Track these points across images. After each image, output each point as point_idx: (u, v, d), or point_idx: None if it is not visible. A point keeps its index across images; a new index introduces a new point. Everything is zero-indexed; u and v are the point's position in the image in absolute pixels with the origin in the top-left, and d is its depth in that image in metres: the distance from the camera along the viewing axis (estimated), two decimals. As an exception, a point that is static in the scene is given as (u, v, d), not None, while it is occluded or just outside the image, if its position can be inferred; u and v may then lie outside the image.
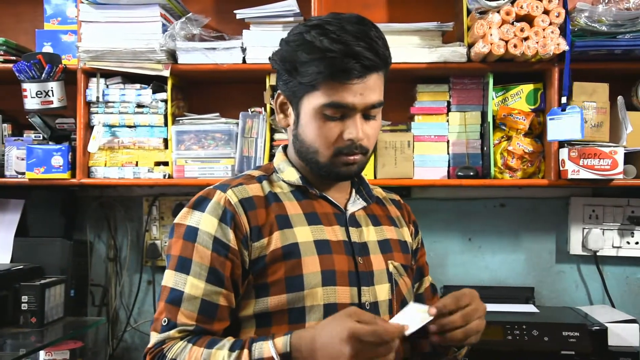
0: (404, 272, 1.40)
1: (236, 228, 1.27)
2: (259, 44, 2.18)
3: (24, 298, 2.10)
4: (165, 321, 1.24)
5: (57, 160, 2.21)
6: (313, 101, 1.27)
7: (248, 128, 2.22)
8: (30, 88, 2.17)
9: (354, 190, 1.42)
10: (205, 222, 1.28)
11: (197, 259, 1.26)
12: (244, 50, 2.19)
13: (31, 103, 2.18)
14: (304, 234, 1.30)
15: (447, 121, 2.20)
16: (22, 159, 2.26)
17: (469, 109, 2.19)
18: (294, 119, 1.33)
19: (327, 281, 1.28)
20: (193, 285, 1.25)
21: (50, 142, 2.25)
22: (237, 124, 2.23)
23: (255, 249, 1.27)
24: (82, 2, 2.18)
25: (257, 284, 1.27)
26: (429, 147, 2.20)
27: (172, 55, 2.20)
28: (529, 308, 2.16)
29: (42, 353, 2.15)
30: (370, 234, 1.38)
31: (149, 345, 1.25)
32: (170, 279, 1.27)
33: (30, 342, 1.98)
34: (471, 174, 2.13)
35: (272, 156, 2.18)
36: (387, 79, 1.32)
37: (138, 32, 2.17)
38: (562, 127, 1.98)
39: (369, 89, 1.26)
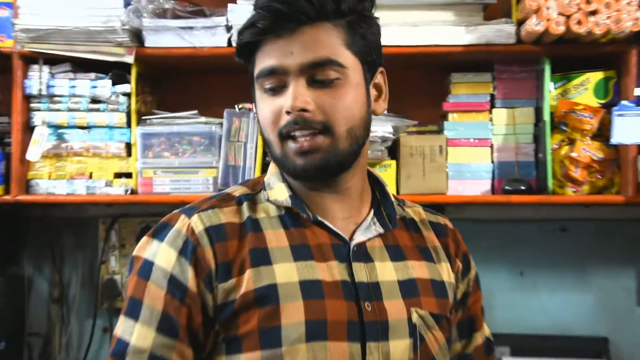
0: (435, 323, 1.32)
1: (197, 264, 1.24)
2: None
3: None
4: None
5: None
6: (254, 78, 1.30)
7: (235, 129, 2.23)
8: None
9: (372, 212, 1.37)
10: (162, 254, 1.26)
11: (148, 301, 1.24)
12: (229, 29, 2.22)
13: None
14: (286, 272, 1.26)
15: (491, 120, 2.20)
16: None
17: (519, 104, 2.20)
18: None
19: (315, 335, 1.23)
20: (141, 335, 1.23)
21: None
22: (221, 124, 2.24)
23: (221, 291, 1.24)
24: None
25: (227, 336, 1.24)
26: (467, 154, 2.20)
27: (137, 36, 2.22)
28: None
29: None
30: (386, 272, 1.31)
31: None
32: (119, 325, 1.27)
33: None
34: (522, 188, 2.12)
35: (265, 166, 2.11)
36: (357, 30, 1.28)
37: (93, 6, 2.19)
38: (631, 126, 1.98)
39: (304, 45, 1.24)
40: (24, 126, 2.21)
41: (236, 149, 2.22)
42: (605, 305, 2.36)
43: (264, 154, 2.21)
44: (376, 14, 2.25)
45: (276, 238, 1.29)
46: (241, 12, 2.19)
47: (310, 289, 1.25)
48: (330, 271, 1.27)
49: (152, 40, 2.20)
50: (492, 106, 2.20)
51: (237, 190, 1.37)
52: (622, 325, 2.34)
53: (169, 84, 2.45)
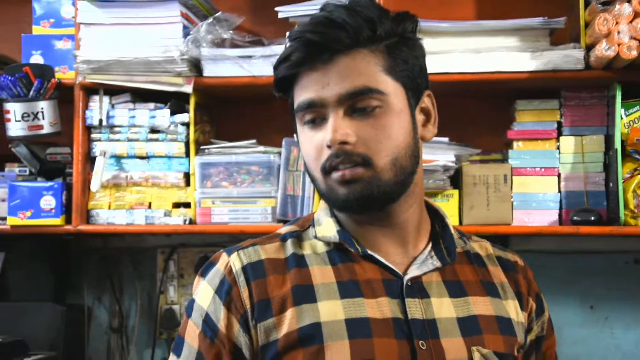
0: None
1: (230, 305, 1.23)
2: (307, 50, 2.16)
3: None
4: None
5: (48, 202, 2.23)
6: (294, 111, 1.29)
7: (293, 159, 2.20)
8: (14, 109, 2.19)
9: (429, 245, 1.31)
10: (202, 293, 1.27)
11: (188, 339, 1.26)
12: None
13: (15, 128, 2.20)
14: (331, 310, 1.22)
15: (558, 148, 2.16)
16: (3, 200, 2.28)
17: (588, 131, 2.14)
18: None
19: None
20: None
21: (39, 178, 2.28)
22: (280, 153, 2.22)
23: (262, 330, 1.22)
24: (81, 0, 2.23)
25: None
26: (532, 183, 2.15)
27: (195, 65, 2.22)
28: None
29: None
30: (444, 308, 1.25)
31: None
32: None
33: None
34: (592, 218, 2.07)
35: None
36: (398, 55, 1.24)
37: (153, 37, 2.20)
38: None
39: (341, 75, 1.20)
40: (85, 157, 2.23)
41: (295, 178, 2.19)
42: None
43: (324, 183, 2.17)
44: (439, 41, 2.22)
45: (322, 274, 1.26)
46: None
47: (357, 328, 1.21)
48: (380, 308, 1.23)
49: (211, 70, 2.19)
50: (560, 134, 2.15)
51: (285, 228, 1.36)
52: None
53: (228, 113, 2.46)
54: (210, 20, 2.19)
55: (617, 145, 2.03)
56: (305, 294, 1.22)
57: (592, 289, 2.36)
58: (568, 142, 2.12)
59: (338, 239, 1.27)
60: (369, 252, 1.26)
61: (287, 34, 2.10)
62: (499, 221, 2.11)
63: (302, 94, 1.23)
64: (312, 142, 1.23)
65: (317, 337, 1.19)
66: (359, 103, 1.20)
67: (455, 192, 2.14)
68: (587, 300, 2.37)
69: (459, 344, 1.22)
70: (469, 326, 1.24)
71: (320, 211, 1.33)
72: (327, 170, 1.21)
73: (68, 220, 2.22)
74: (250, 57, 2.18)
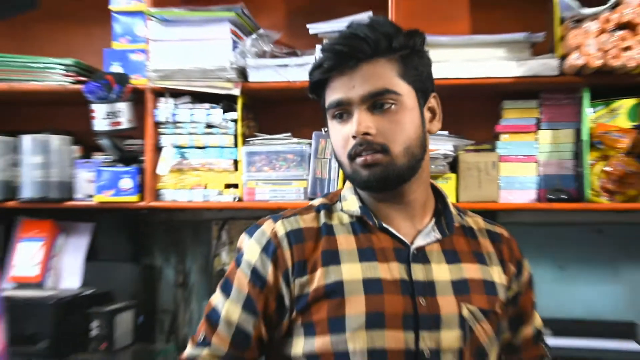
0: (484, 317, 1.28)
1: (277, 262, 1.26)
2: (333, 60, 2.18)
3: (94, 324, 2.16)
4: (202, 337, 1.30)
5: (126, 183, 2.25)
6: (325, 109, 1.30)
7: (321, 148, 2.22)
8: (99, 109, 2.21)
9: (432, 220, 1.33)
10: (250, 249, 1.29)
11: (237, 284, 1.28)
12: None
13: (100, 124, 2.22)
14: (352, 271, 1.25)
15: (537, 140, 2.16)
16: (92, 182, 2.31)
17: (562, 126, 2.15)
18: None
19: (373, 324, 1.22)
20: (229, 310, 1.28)
21: (119, 164, 2.29)
22: (310, 144, 2.23)
23: (298, 285, 1.25)
24: (151, 20, 2.23)
25: (305, 322, 1.25)
26: (516, 168, 2.16)
27: (242, 73, 2.22)
28: (631, 345, 2.11)
29: None
30: (441, 272, 1.28)
31: (184, 355, 1.31)
32: (215, 296, 1.32)
33: None
34: (564, 197, 2.08)
35: (345, 178, 2.15)
36: (410, 63, 1.26)
37: (208, 50, 2.19)
38: None
39: (364, 78, 1.22)
40: (154, 147, 2.25)
41: (322, 164, 2.21)
42: (634, 295, 2.31)
43: (347, 169, 2.21)
44: (440, 52, 2.35)
45: (346, 242, 1.28)
46: None
47: (372, 286, 1.23)
48: (390, 271, 1.25)
49: (254, 76, 2.20)
50: (538, 128, 2.16)
51: (318, 201, 1.37)
52: (648, 311, 2.29)
53: (268, 111, 2.45)
54: (254, 36, 2.21)
55: (585, 137, 2.04)
56: (332, 257, 1.25)
57: (562, 253, 2.37)
58: (545, 135, 2.14)
59: (360, 212, 1.29)
60: (384, 225, 1.28)
61: (319, 46, 2.19)
62: (488, 199, 2.13)
63: (333, 95, 1.25)
64: (340, 134, 1.25)
65: (339, 291, 1.22)
66: (378, 102, 1.23)
67: (453, 175, 2.15)
68: (558, 261, 2.38)
69: (451, 301, 1.25)
70: (460, 287, 1.27)
71: (347, 189, 1.35)
72: (352, 157, 1.23)
73: (142, 198, 2.25)
74: (286, 65, 2.19)
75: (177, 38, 2.22)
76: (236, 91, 2.19)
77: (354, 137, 1.22)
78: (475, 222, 1.40)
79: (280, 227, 1.28)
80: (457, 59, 2.13)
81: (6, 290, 2.31)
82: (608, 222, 2.34)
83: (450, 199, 2.04)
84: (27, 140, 2.32)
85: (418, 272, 1.25)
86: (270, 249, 1.26)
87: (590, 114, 2.08)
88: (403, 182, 1.27)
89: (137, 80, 2.27)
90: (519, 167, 2.15)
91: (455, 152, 2.15)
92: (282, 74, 2.18)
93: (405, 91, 1.24)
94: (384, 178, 1.23)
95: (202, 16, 2.19)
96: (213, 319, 1.29)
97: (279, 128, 2.33)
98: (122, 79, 2.21)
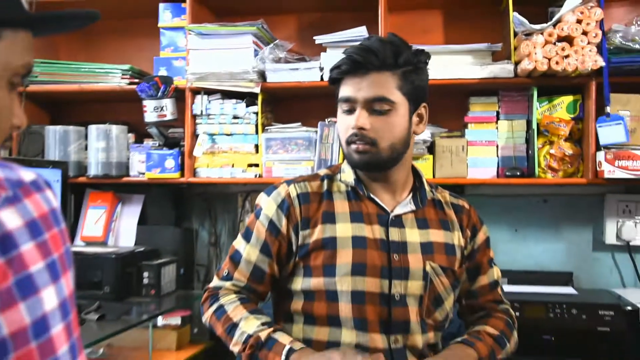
0: (442, 272, 1.32)
1: (289, 216, 1.30)
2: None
3: (145, 274, 2.18)
4: (226, 272, 1.34)
5: (170, 163, 2.26)
6: (338, 100, 1.32)
7: (325, 135, 2.22)
8: (149, 104, 2.23)
9: (410, 195, 1.36)
10: (267, 205, 1.33)
11: (256, 232, 1.33)
12: (321, 69, 2.20)
13: (150, 117, 2.24)
14: (344, 229, 1.28)
15: (497, 128, 2.17)
16: (143, 162, 2.32)
17: (516, 117, 2.16)
18: None
19: (357, 272, 1.26)
20: (249, 252, 1.32)
21: (164, 148, 2.30)
22: (316, 131, 2.23)
23: (302, 236, 1.29)
24: (190, 34, 2.24)
25: (304, 265, 1.29)
26: (480, 151, 2.17)
27: (262, 75, 2.22)
28: (569, 290, 2.13)
29: (159, 318, 2.23)
30: (413, 235, 1.32)
31: (210, 285, 1.36)
32: (237, 241, 1.36)
33: (151, 310, 2.07)
34: (518, 173, 2.11)
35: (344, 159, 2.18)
36: (409, 78, 1.28)
37: (234, 57, 2.20)
38: (610, 133, 1.96)
39: (369, 85, 1.25)
40: (192, 134, 2.25)
41: (326, 148, 2.21)
42: (572, 251, 2.35)
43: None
44: None
45: (341, 206, 1.32)
46: (329, 58, 2.18)
47: (358, 242, 1.28)
48: (373, 231, 1.30)
49: (272, 77, 2.20)
50: (498, 119, 2.17)
51: (323, 171, 1.41)
52: (582, 264, 2.31)
53: (282, 105, 2.44)
54: (271, 45, 2.21)
55: (534, 126, 2.07)
56: (330, 217, 1.30)
57: (516, 218, 2.38)
58: (503, 124, 2.15)
59: (354, 184, 1.33)
60: (372, 195, 1.33)
61: (323, 53, 2.18)
62: (458, 175, 2.15)
63: (344, 91, 1.29)
64: (344, 123, 1.30)
65: (333, 244, 1.28)
66: (376, 106, 1.26)
67: (430, 156, 2.17)
68: (513, 226, 2.38)
69: (418, 258, 1.30)
70: (426, 248, 1.32)
71: (346, 164, 1.37)
72: (348, 142, 1.29)
73: (182, 175, 2.25)
74: (297, 69, 2.19)
75: (210, 47, 2.21)
76: (257, 89, 2.19)
77: (352, 128, 1.26)
78: (444, 196, 1.43)
79: (293, 190, 1.33)
80: (435, 64, 1.97)
81: (77, 247, 2.32)
82: (552, 193, 2.35)
83: (428, 176, 2.09)
84: (93, 130, 2.35)
85: (394, 234, 1.30)
86: (285, 206, 1.31)
87: (538, 108, 2.10)
88: (386, 168, 1.31)
89: (178, 81, 2.28)
90: (482, 149, 2.16)
91: (432, 138, 2.16)
92: (294, 76, 2.19)
93: (400, 100, 1.27)
94: (369, 164, 1.29)
95: (230, 30, 2.20)
96: (236, 259, 1.33)
97: (291, 119, 2.32)
98: (167, 80, 2.23)
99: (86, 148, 2.38)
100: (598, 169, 2.01)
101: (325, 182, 1.37)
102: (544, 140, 2.12)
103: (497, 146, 2.17)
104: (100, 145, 2.33)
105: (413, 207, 1.35)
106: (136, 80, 2.32)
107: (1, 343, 0.45)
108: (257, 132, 2.24)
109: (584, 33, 1.94)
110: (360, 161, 1.29)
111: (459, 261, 1.36)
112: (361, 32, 2.17)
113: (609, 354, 1.83)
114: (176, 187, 2.47)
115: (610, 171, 1.95)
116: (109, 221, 2.46)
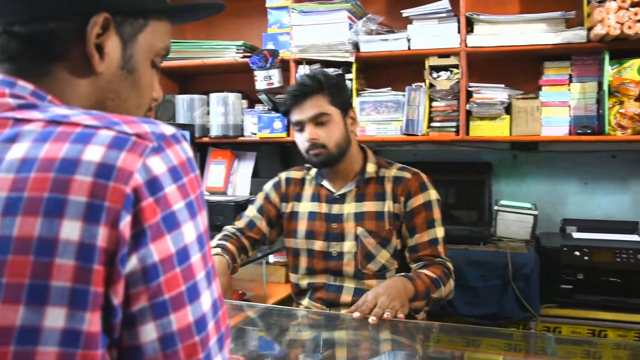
0: (369, 235, 1.55)
1: (278, 191, 1.67)
2: (420, 35, 2.29)
3: None
4: (234, 223, 1.72)
5: (278, 124, 2.44)
6: (291, 122, 1.59)
7: (412, 98, 2.31)
8: (259, 74, 2.40)
9: (356, 177, 1.60)
10: (268, 184, 1.72)
11: (257, 199, 1.71)
12: (408, 40, 2.30)
13: (260, 85, 2.42)
14: (305, 207, 1.62)
15: (569, 90, 2.21)
16: (255, 124, 2.49)
17: (588, 80, 2.19)
18: None
19: (309, 236, 1.60)
20: (250, 210, 1.70)
21: (272, 112, 2.44)
22: (404, 95, 2.32)
23: (283, 207, 1.65)
24: (293, 12, 2.39)
25: (286, 229, 1.65)
26: (553, 111, 2.22)
27: (356, 46, 2.33)
28: (634, 237, 2.18)
29: (271, 256, 2.32)
30: (350, 208, 1.57)
31: (228, 227, 1.71)
32: (249, 206, 1.74)
33: (264, 249, 2.06)
34: (588, 131, 2.15)
35: (430, 120, 2.28)
36: (335, 94, 1.53)
37: (332, 31, 2.33)
38: None
39: (309, 107, 1.51)
40: None
41: (412, 110, 2.29)
42: (637, 202, 2.38)
43: (430, 112, 2.27)
44: (498, 27, 2.20)
45: (308, 190, 1.65)
46: (415, 29, 2.27)
47: (312, 215, 1.61)
48: (321, 207, 1.61)
49: (364, 48, 2.30)
50: (570, 82, 2.20)
51: (307, 166, 1.70)
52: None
53: (374, 72, 2.51)
54: (364, 19, 2.29)
55: (605, 88, 2.11)
56: (298, 197, 1.65)
57: (586, 172, 2.42)
58: (575, 87, 2.19)
59: (314, 175, 1.66)
60: (323, 182, 1.62)
61: (410, 25, 2.27)
62: (533, 133, 2.19)
63: (294, 116, 1.55)
64: (300, 138, 1.56)
65: (296, 217, 1.63)
66: (318, 119, 1.52)
67: (508, 116, 2.22)
68: (583, 179, 2.44)
69: (352, 225, 1.56)
70: (359, 216, 1.57)
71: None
72: (306, 151, 1.56)
73: (288, 135, 2.39)
74: (387, 40, 2.28)
75: (310, 23, 2.35)
76: (352, 59, 2.30)
77: (307, 140, 1.53)
78: (391, 171, 1.60)
79: (283, 175, 1.69)
80: (511, 32, 2.19)
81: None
82: (621, 150, 2.37)
83: (504, 133, 2.18)
84: (213, 97, 2.52)
85: (335, 208, 1.59)
86: (277, 185, 1.68)
87: (609, 70, 2.13)
88: (337, 163, 1.57)
89: (284, 54, 2.40)
90: (555, 110, 2.21)
91: (509, 100, 2.23)
92: (384, 46, 2.28)
93: (334, 112, 1.53)
94: (325, 162, 1.56)
95: (328, 7, 2.33)
96: (242, 215, 1.71)
97: (381, 84, 2.40)
98: (274, 53, 2.37)
99: (208, 113, 2.57)
100: (666, 125, 2.04)
101: (305, 172, 1.68)
102: (614, 100, 2.13)
103: (569, 106, 2.21)
104: (219, 111, 2.50)
105: (354, 187, 1.60)
106: (248, 54, 2.48)
107: (153, 267, 0.50)
108: (352, 97, 2.33)
109: (659, -1, 1.96)
110: (318, 162, 1.56)
111: (388, 224, 1.56)
112: (444, 4, 2.28)
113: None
114: (283, 144, 2.60)
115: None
116: (228, 174, 2.66)
